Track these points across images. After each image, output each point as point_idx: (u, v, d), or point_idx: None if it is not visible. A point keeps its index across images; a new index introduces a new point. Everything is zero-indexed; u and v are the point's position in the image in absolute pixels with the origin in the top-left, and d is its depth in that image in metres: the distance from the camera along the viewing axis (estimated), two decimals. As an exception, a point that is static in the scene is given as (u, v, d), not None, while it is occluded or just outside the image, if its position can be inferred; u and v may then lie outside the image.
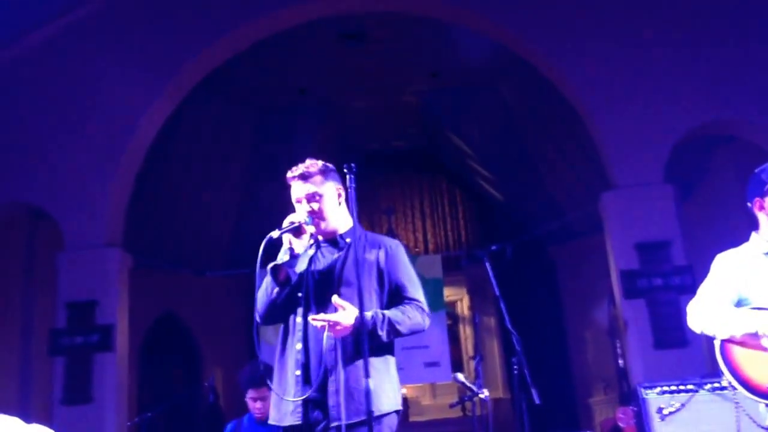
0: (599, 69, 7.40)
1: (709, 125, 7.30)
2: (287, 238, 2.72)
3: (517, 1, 7.67)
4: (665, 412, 5.31)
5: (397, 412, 2.75)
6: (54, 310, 7.53)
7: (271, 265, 2.67)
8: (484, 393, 4.99)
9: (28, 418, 3.12)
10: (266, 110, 10.60)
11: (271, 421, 2.75)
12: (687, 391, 5.36)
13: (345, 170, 2.75)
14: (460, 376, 5.29)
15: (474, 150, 11.42)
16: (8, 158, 7.78)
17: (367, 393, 2.50)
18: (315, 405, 2.64)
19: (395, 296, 2.82)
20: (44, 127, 7.80)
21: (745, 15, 7.25)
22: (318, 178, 2.85)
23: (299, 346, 2.69)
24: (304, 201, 2.82)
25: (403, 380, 10.43)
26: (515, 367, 4.13)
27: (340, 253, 2.82)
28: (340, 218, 2.88)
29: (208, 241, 11.17)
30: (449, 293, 11.51)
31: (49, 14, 7.77)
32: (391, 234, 12.09)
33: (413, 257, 11.28)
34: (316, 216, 2.78)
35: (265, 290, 2.75)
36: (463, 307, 11.92)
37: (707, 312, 2.91)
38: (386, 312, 2.74)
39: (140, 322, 9.40)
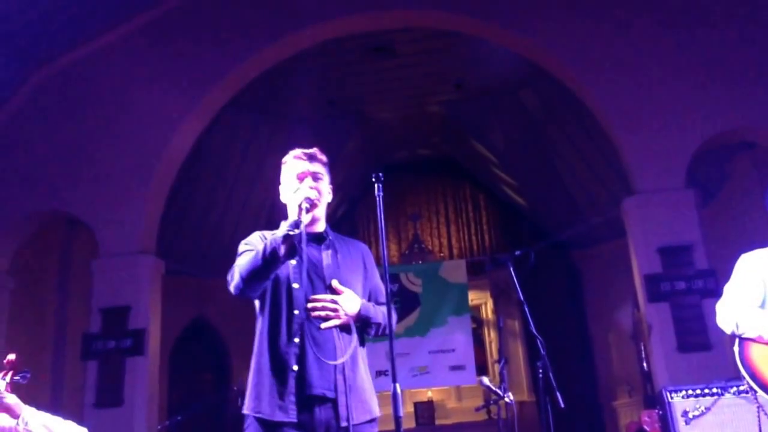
0: (621, 76, 7.45)
1: (730, 131, 7.31)
2: (296, 210, 2.62)
3: (539, 13, 7.75)
4: (690, 415, 5.31)
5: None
6: (88, 315, 7.70)
7: (284, 232, 2.49)
8: (510, 396, 5.03)
9: (63, 419, 3.29)
10: (295, 121, 10.77)
11: (248, 411, 2.57)
12: (712, 394, 5.36)
13: (373, 179, 2.67)
14: (486, 380, 5.35)
15: (497, 157, 11.49)
16: (46, 169, 8.03)
17: (356, 392, 2.52)
18: (319, 403, 2.51)
19: (372, 300, 2.81)
20: (81, 140, 8.04)
21: (766, 21, 7.27)
22: (324, 167, 2.82)
23: (297, 339, 2.55)
24: (310, 178, 2.74)
25: (429, 383, 10.66)
26: (540, 370, 4.17)
27: (329, 250, 2.74)
28: (324, 215, 2.82)
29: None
30: (473, 297, 11.59)
31: (89, 34, 8.01)
32: (417, 240, 12.20)
33: (438, 262, 11.42)
34: (314, 198, 2.69)
35: (256, 257, 2.53)
36: (488, 311, 11.98)
37: (736, 312, 2.96)
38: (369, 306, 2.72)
39: (171, 327, 9.55)
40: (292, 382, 2.52)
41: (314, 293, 2.60)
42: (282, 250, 2.48)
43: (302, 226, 2.52)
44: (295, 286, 2.61)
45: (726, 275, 3.20)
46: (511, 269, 4.32)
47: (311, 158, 2.78)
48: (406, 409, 10.24)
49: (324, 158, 2.82)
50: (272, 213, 11.28)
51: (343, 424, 2.49)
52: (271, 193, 11.23)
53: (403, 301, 10.54)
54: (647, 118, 7.29)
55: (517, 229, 12.41)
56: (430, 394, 10.98)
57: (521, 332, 11.40)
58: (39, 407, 3.18)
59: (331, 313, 2.58)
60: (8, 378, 3.11)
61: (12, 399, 3.04)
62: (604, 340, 11.08)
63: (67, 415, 3.37)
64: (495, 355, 11.39)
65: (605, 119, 7.66)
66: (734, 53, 7.30)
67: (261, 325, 2.68)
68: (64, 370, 8.77)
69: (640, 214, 7.20)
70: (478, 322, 11.83)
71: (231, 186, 10.84)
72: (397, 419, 2.39)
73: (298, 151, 2.82)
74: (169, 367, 10.19)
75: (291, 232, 2.47)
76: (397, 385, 2.43)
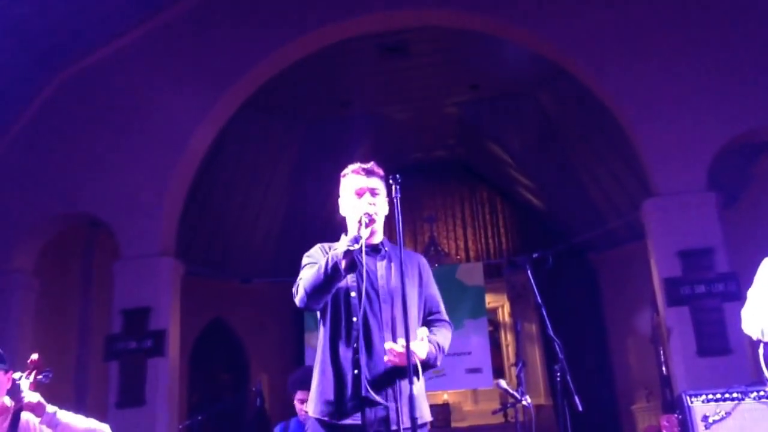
0: (640, 76, 7.41)
1: (752, 132, 7.25)
2: (356, 225, 2.71)
3: (559, 13, 7.73)
4: (711, 420, 5.27)
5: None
6: (109, 316, 7.80)
7: (345, 248, 2.60)
8: (527, 400, 5.02)
9: (85, 417, 3.33)
10: (310, 123, 10.82)
11: (317, 415, 2.69)
12: (733, 399, 5.31)
13: (390, 181, 2.75)
14: (503, 383, 5.34)
15: (514, 159, 11.47)
16: (68, 171, 8.14)
17: (412, 398, 2.54)
18: (373, 406, 2.62)
19: (427, 310, 2.90)
20: (102, 143, 8.14)
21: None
22: (381, 181, 2.90)
23: (355, 345, 2.68)
24: (368, 193, 2.84)
25: (446, 386, 10.65)
26: (558, 374, 4.15)
27: (384, 260, 2.84)
28: (381, 227, 2.90)
29: (255, 249, 11.43)
30: (490, 300, 11.57)
31: (107, 37, 8.11)
32: (433, 242, 12.21)
33: (455, 265, 11.42)
34: (373, 213, 2.78)
35: (318, 272, 2.64)
36: (504, 314, 11.95)
37: (762, 318, 2.94)
38: (438, 339, 2.80)
39: (191, 328, 9.64)
40: (351, 386, 2.65)
41: (369, 303, 2.74)
42: (343, 264, 2.60)
43: (362, 242, 2.62)
44: (353, 294, 2.74)
45: (747, 279, 3.18)
46: (529, 272, 4.32)
47: (369, 173, 2.88)
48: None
49: (381, 172, 2.92)
50: (287, 214, 11.36)
51: (393, 427, 2.61)
52: (287, 194, 11.37)
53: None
54: (668, 119, 7.24)
55: (534, 232, 12.38)
56: (446, 396, 10.98)
57: (538, 335, 11.36)
58: (63, 406, 3.23)
59: (401, 359, 2.61)
60: (31, 377, 3.17)
61: (34, 397, 3.09)
62: (622, 344, 11.02)
63: (90, 414, 3.42)
64: (512, 359, 11.37)
65: (624, 120, 7.63)
66: (757, 52, 7.23)
67: (323, 332, 2.81)
68: (88, 370, 8.88)
69: (660, 217, 7.16)
70: (494, 325, 11.81)
71: (248, 187, 10.91)
72: (413, 420, 2.48)
73: (356, 166, 2.92)
74: (189, 367, 10.27)
75: (351, 248, 2.59)
76: (413, 387, 2.50)
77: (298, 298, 2.73)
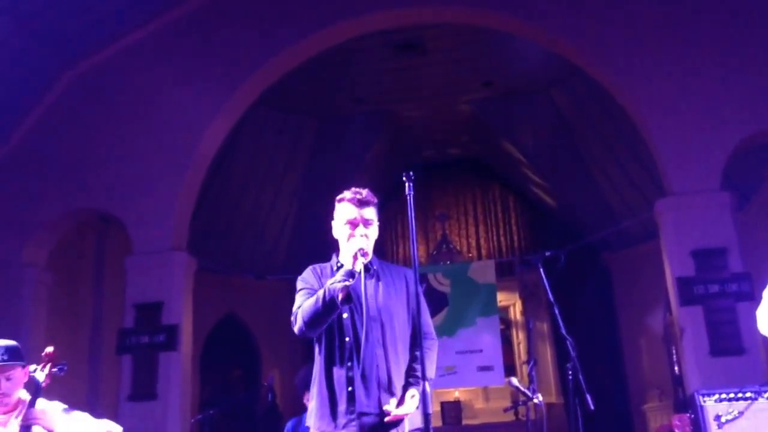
0: (655, 76, 7.37)
1: (765, 132, 7.19)
2: (351, 259, 2.81)
3: (573, 11, 7.69)
4: (723, 419, 5.26)
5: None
6: (122, 310, 7.84)
7: (342, 284, 2.74)
8: (538, 398, 5.02)
9: (96, 413, 3.36)
10: (323, 120, 10.83)
11: (314, 429, 2.87)
12: (745, 398, 5.30)
13: (404, 178, 2.83)
14: (515, 381, 5.33)
15: (527, 157, 11.44)
16: (81, 167, 8.17)
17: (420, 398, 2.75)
18: (368, 418, 2.79)
19: (413, 325, 3.00)
20: (115, 139, 8.17)
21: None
22: (374, 209, 3.01)
23: (349, 363, 2.85)
24: (361, 225, 2.94)
25: (457, 383, 10.64)
26: (569, 372, 4.15)
27: (372, 279, 2.96)
28: (371, 249, 3.00)
29: (267, 245, 11.47)
30: (502, 298, 11.54)
31: (120, 32, 8.14)
32: (445, 240, 12.19)
33: (467, 263, 11.41)
34: (365, 246, 2.89)
35: (317, 304, 2.79)
36: (516, 312, 11.93)
37: None
38: (425, 371, 2.90)
39: (203, 323, 9.68)
40: (346, 401, 2.82)
41: (360, 322, 2.87)
42: (340, 297, 2.75)
43: (357, 276, 2.77)
44: (345, 316, 2.89)
45: (762, 279, 3.16)
46: (541, 270, 4.31)
47: (362, 204, 2.97)
48: (433, 408, 10.23)
49: (374, 200, 3.02)
50: (300, 211, 11.38)
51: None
52: (300, 191, 11.38)
53: (431, 301, 10.48)
54: (682, 118, 7.20)
55: (546, 230, 12.34)
56: (457, 394, 10.97)
57: (550, 334, 11.34)
58: (76, 400, 3.24)
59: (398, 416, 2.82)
60: (47, 370, 3.19)
61: (45, 415, 3.07)
62: (634, 343, 10.97)
63: (103, 407, 3.45)
64: (523, 357, 11.35)
65: (639, 119, 7.59)
66: (769, 52, 7.18)
67: (318, 352, 2.97)
68: (100, 364, 8.94)
69: (673, 216, 7.12)
70: (506, 323, 11.79)
71: (261, 183, 10.95)
72: (426, 416, 2.59)
73: (350, 195, 3.00)
74: (201, 362, 10.32)
75: (347, 283, 2.74)
76: (427, 384, 2.67)
77: (297, 327, 2.89)
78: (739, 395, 5.28)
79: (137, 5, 7.94)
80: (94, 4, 7.56)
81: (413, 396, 2.84)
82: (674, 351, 9.84)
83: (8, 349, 3.14)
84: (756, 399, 5.23)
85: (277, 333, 11.37)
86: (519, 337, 11.76)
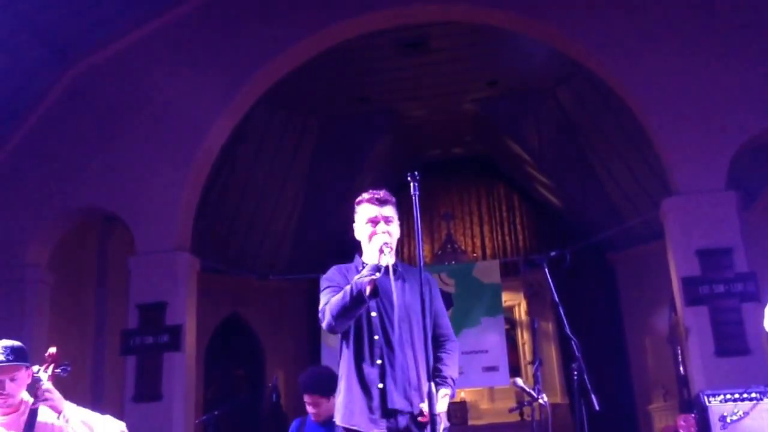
0: (660, 74, 7.34)
1: (772, 131, 7.17)
2: (376, 253, 2.91)
3: (579, 10, 7.66)
4: (728, 420, 5.25)
5: None
6: (126, 311, 7.83)
7: (370, 277, 2.83)
8: (544, 398, 5.00)
9: (101, 414, 3.35)
10: (327, 119, 10.82)
11: (345, 425, 2.93)
12: (751, 399, 5.29)
13: (409, 178, 2.86)
14: (520, 381, 5.31)
15: (532, 156, 11.41)
16: (83, 166, 8.15)
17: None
18: (400, 415, 2.88)
19: (435, 324, 3.11)
20: (117, 137, 8.15)
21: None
22: (393, 207, 3.12)
23: (379, 361, 2.94)
24: (382, 222, 3.04)
25: (462, 384, 10.62)
26: (574, 373, 4.13)
27: (397, 280, 3.02)
28: (395, 248, 3.09)
29: (272, 246, 11.47)
30: (507, 298, 11.52)
31: (122, 30, 8.13)
32: (450, 240, 12.17)
33: (472, 263, 11.38)
34: (389, 242, 2.98)
35: (344, 299, 2.88)
36: (521, 312, 11.90)
37: None
38: (450, 373, 3.05)
39: (207, 323, 9.69)
40: (378, 398, 2.91)
41: (389, 322, 2.98)
42: (368, 291, 2.84)
43: (383, 270, 2.86)
44: (373, 314, 3.00)
45: (767, 279, 3.14)
46: (546, 270, 4.29)
47: (381, 203, 3.09)
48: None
49: (393, 199, 3.14)
50: (304, 210, 11.37)
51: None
52: (304, 191, 11.38)
53: (436, 301, 10.50)
54: (688, 117, 7.16)
55: (551, 230, 12.31)
56: (462, 394, 10.95)
57: (555, 334, 11.31)
58: (80, 400, 3.24)
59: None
60: (50, 371, 3.18)
61: (55, 394, 3.10)
62: (639, 343, 10.94)
63: (107, 407, 3.44)
64: (528, 357, 11.32)
65: (644, 118, 7.56)
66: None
67: (346, 349, 3.05)
68: (105, 364, 8.94)
69: (679, 216, 7.10)
70: (511, 324, 11.76)
71: (265, 183, 10.94)
72: (433, 417, 2.63)
73: (368, 196, 3.12)
74: (205, 363, 10.32)
75: (374, 276, 2.83)
76: (432, 384, 2.65)
77: (326, 322, 2.96)
78: (744, 395, 5.26)
79: (138, 5, 7.93)
80: (94, 3, 7.55)
81: (445, 395, 2.92)
82: (679, 351, 9.81)
83: (13, 350, 3.13)
84: (761, 399, 5.22)
85: (281, 333, 11.37)
86: (524, 338, 11.73)
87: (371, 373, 2.93)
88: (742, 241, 6.83)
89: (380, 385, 2.90)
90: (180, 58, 8.14)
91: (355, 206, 3.16)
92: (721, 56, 7.26)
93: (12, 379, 3.12)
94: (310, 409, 4.50)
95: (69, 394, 3.21)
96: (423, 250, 12.20)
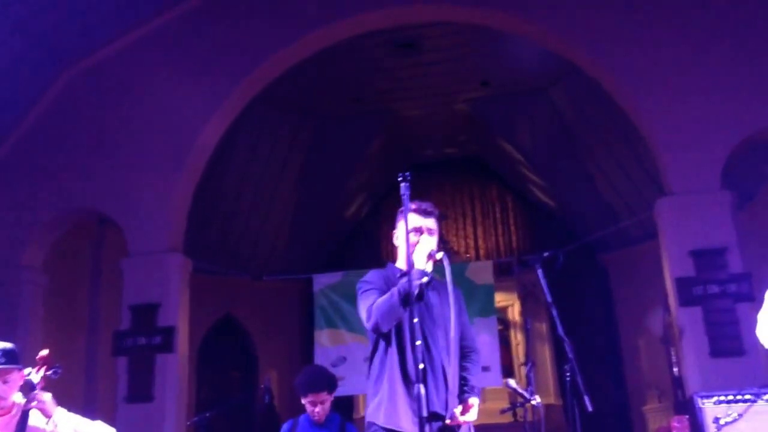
0: (654, 74, 7.35)
1: (766, 131, 7.16)
2: (424, 259, 3.10)
3: (572, 9, 7.67)
4: (722, 422, 5.23)
5: None
6: (118, 312, 7.82)
7: (420, 281, 3.01)
8: (536, 399, 4.99)
9: (93, 415, 3.34)
10: (321, 119, 10.81)
11: (386, 425, 3.05)
12: (745, 401, 5.27)
13: (399, 179, 2.92)
14: (512, 382, 5.31)
15: (525, 157, 11.42)
16: (77, 168, 8.15)
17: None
18: (435, 419, 3.00)
19: (462, 335, 3.32)
20: (111, 139, 8.15)
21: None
22: (435, 220, 3.31)
23: (422, 365, 2.98)
24: (426, 233, 3.23)
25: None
26: (567, 373, 4.13)
27: (434, 291, 3.25)
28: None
29: (264, 246, 11.44)
30: (500, 299, 11.50)
31: (118, 31, 8.11)
32: (443, 240, 12.16)
33: (464, 263, 11.37)
34: (434, 251, 3.17)
35: (392, 299, 3.03)
36: (514, 313, 11.88)
37: None
38: (476, 383, 3.27)
39: (199, 324, 9.65)
40: (421, 401, 2.92)
41: (430, 327, 3.16)
42: (415, 294, 2.96)
43: (429, 275, 3.09)
44: (415, 320, 3.03)
45: (762, 279, 3.14)
46: (539, 271, 4.28)
47: (426, 214, 3.28)
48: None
49: (436, 212, 3.35)
50: (297, 211, 11.34)
51: None
52: (297, 191, 11.35)
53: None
54: (682, 117, 7.16)
55: (545, 230, 12.31)
56: (456, 394, 10.93)
57: (548, 335, 11.29)
58: (73, 401, 3.22)
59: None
60: (41, 373, 3.16)
61: (46, 397, 3.08)
62: (633, 344, 10.94)
63: (99, 409, 3.42)
64: (521, 358, 11.31)
65: (638, 118, 7.57)
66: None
67: (387, 351, 3.18)
68: (97, 366, 8.90)
69: (672, 216, 7.10)
70: (504, 324, 11.74)
71: (257, 183, 10.91)
72: (421, 419, 2.69)
73: (414, 206, 3.26)
74: (198, 364, 10.29)
75: (423, 280, 3.04)
76: (421, 387, 2.74)
77: (371, 322, 3.11)
78: (738, 397, 5.25)
79: (133, 5, 7.91)
80: (89, 5, 7.53)
81: (473, 405, 3.10)
82: (673, 352, 9.82)
83: (5, 352, 3.12)
84: (755, 401, 5.20)
85: (274, 334, 11.34)
86: (517, 338, 11.71)
87: (413, 376, 3.00)
88: (737, 242, 6.83)
89: (423, 389, 2.94)
90: (173, 59, 8.14)
91: (399, 214, 3.27)
92: (716, 56, 7.27)
93: (4, 382, 3.11)
94: (313, 408, 4.45)
95: (62, 395, 3.19)
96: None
